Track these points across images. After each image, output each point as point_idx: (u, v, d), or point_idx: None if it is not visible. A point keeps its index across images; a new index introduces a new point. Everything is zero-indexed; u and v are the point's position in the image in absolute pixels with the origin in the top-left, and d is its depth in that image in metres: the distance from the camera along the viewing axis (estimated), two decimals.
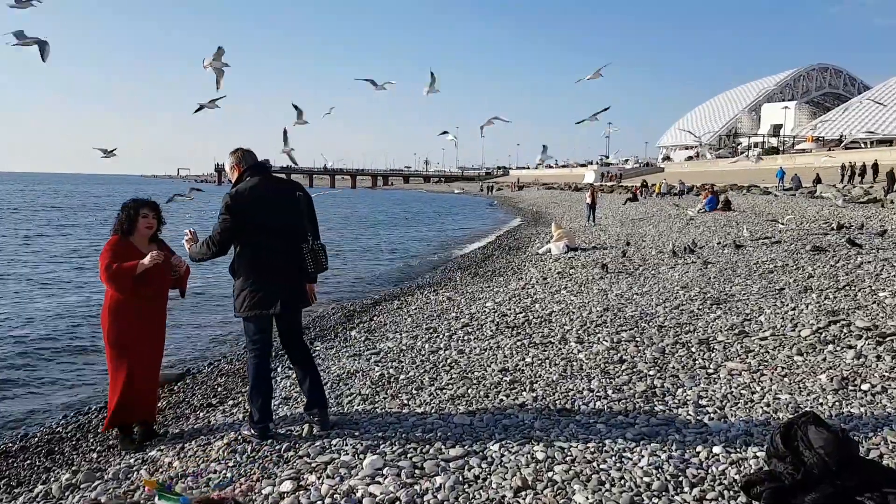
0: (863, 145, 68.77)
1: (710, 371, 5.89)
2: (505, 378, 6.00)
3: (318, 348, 8.27)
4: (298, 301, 4.85)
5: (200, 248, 4.75)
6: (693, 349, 6.64)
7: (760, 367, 5.85)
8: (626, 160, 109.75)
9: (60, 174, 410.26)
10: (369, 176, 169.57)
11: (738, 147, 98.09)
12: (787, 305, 8.19)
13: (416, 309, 10.67)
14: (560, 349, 6.98)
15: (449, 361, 6.76)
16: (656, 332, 7.42)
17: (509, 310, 9.49)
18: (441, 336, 8.09)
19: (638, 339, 7.16)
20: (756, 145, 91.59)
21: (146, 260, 4.93)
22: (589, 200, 27.43)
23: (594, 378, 5.86)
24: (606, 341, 7.12)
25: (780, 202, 30.37)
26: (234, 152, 4.90)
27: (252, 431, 4.78)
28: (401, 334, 8.49)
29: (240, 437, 4.82)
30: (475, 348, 7.28)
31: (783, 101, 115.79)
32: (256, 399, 4.74)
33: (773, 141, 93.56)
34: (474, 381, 5.96)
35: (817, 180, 40.85)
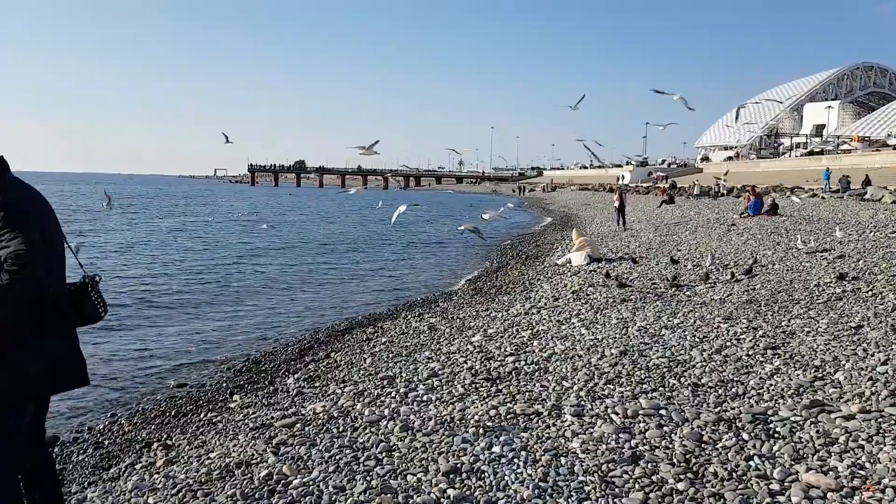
0: None
1: (775, 487, 3.69)
2: (449, 491, 3.85)
3: (232, 405, 6.21)
4: (82, 373, 2.98)
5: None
6: (745, 435, 4.44)
7: (854, 483, 3.63)
8: (664, 160, 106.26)
9: (99, 174, 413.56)
10: (402, 177, 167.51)
11: (780, 147, 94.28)
12: (873, 356, 5.92)
13: (385, 343, 8.49)
14: (548, 426, 4.80)
15: (381, 448, 4.59)
16: (690, 397, 5.23)
17: (498, 348, 7.33)
18: (395, 392, 5.95)
19: (664, 409, 4.96)
20: (798, 146, 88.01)
21: None
22: (617, 203, 25.07)
23: (587, 495, 3.70)
24: (618, 414, 4.93)
25: (828, 205, 27.74)
26: None
27: None
28: (344, 387, 6.35)
29: None
30: (431, 419, 5.13)
31: (826, 100, 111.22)
32: None
33: (816, 141, 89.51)
34: (399, 498, 3.82)
35: (867, 182, 37.83)
